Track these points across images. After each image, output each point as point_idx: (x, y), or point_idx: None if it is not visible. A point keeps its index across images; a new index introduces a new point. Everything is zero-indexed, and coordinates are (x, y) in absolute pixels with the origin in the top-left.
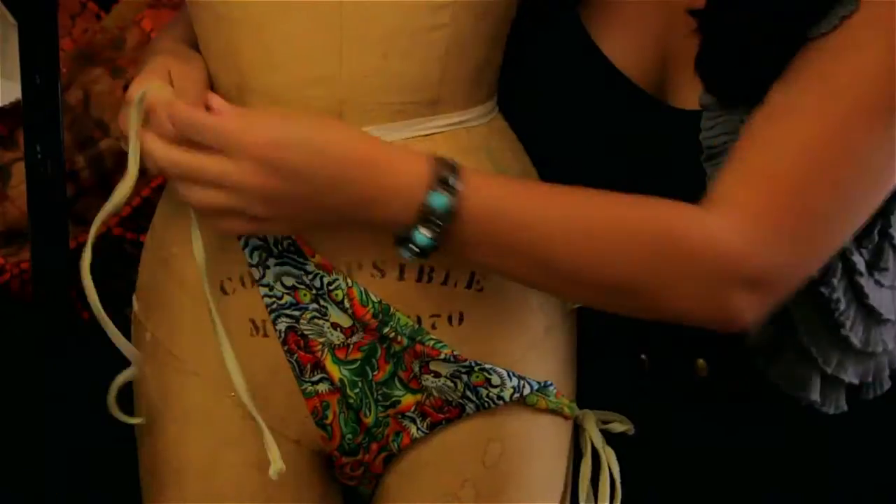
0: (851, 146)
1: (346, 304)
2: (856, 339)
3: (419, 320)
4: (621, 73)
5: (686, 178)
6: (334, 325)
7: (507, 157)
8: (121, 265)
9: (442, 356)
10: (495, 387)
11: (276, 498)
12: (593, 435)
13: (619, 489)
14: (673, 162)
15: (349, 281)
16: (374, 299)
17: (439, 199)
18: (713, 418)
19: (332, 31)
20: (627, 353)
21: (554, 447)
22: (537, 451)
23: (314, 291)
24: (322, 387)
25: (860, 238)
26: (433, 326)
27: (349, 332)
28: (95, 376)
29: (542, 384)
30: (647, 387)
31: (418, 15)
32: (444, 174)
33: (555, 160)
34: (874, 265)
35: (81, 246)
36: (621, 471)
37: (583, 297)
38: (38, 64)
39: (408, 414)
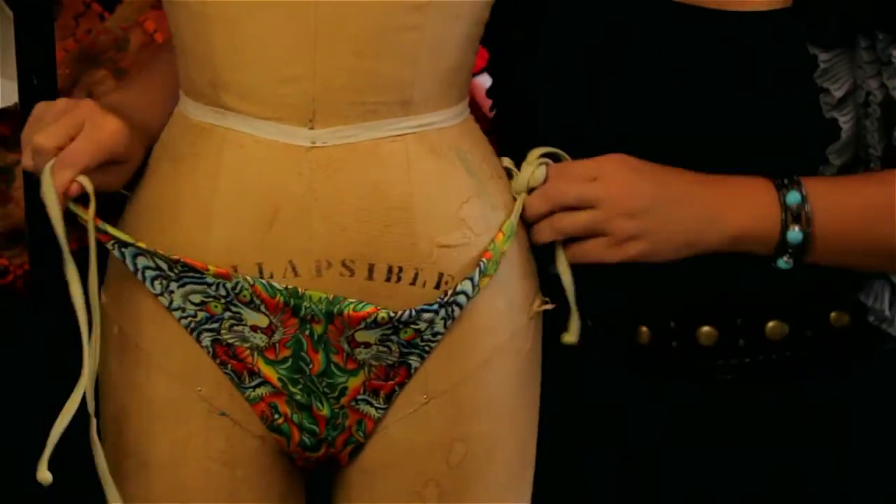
0: None
1: (257, 302)
2: None
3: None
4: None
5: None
6: (254, 328)
7: (478, 159)
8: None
9: (363, 325)
10: (426, 330)
11: (240, 493)
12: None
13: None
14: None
15: (250, 279)
16: (280, 287)
17: (793, 196)
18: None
19: (305, 30)
20: (626, 327)
21: (520, 441)
22: (502, 450)
23: (223, 301)
24: (263, 390)
25: None
26: None
27: (269, 331)
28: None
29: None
30: (645, 363)
31: (392, 15)
32: (783, 178)
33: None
34: None
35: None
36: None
37: None
38: (35, 65)
39: (360, 398)
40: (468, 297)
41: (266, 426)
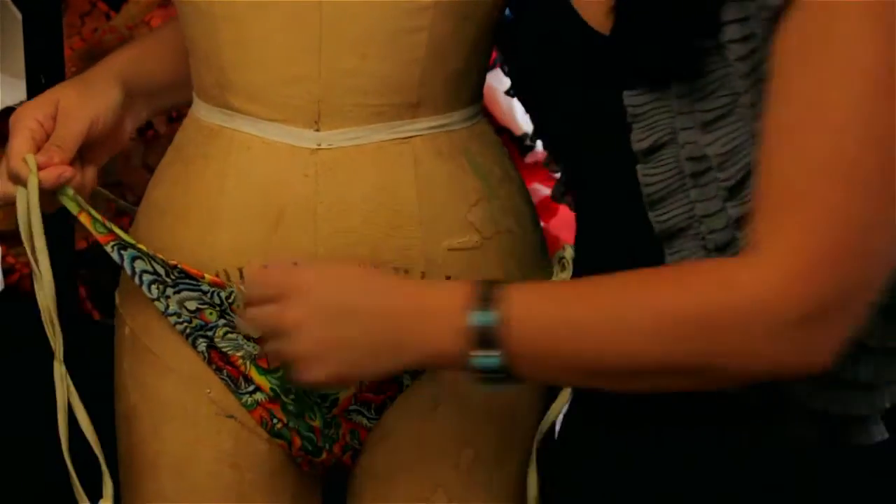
0: (868, 138)
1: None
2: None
3: None
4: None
5: None
6: (247, 337)
7: (488, 161)
8: None
9: None
10: None
11: (249, 495)
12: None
13: None
14: None
15: (243, 289)
16: None
17: (482, 317)
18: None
19: (311, 31)
20: None
21: (529, 444)
22: (512, 452)
23: (217, 308)
24: (259, 396)
25: None
26: None
27: (262, 341)
28: (103, 375)
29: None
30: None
31: (398, 17)
32: (483, 293)
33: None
34: None
35: (90, 245)
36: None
37: (649, 388)
38: (42, 63)
39: (351, 408)
40: None
41: (267, 431)
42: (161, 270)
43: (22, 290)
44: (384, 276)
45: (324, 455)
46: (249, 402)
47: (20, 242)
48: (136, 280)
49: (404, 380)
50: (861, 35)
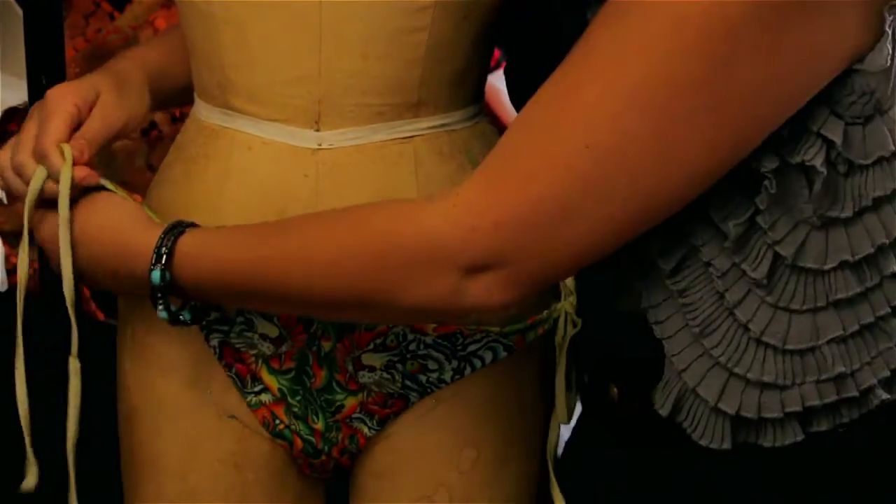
0: (610, 135)
1: (270, 316)
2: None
3: None
4: None
5: None
6: (263, 336)
7: None
8: None
9: (371, 346)
10: (433, 371)
11: (252, 495)
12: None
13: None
14: None
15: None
16: None
17: (155, 276)
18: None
19: (311, 31)
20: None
21: (531, 444)
22: (514, 453)
23: (236, 309)
24: (265, 397)
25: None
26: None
27: (278, 342)
28: (107, 376)
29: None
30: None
31: (398, 16)
32: (160, 249)
33: None
34: (760, 283)
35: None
36: None
37: (322, 316)
38: (43, 64)
39: (355, 416)
40: (484, 364)
41: (269, 431)
42: None
43: (27, 290)
44: (107, 219)
45: (322, 457)
46: (254, 402)
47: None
48: None
49: (411, 397)
50: (648, 40)
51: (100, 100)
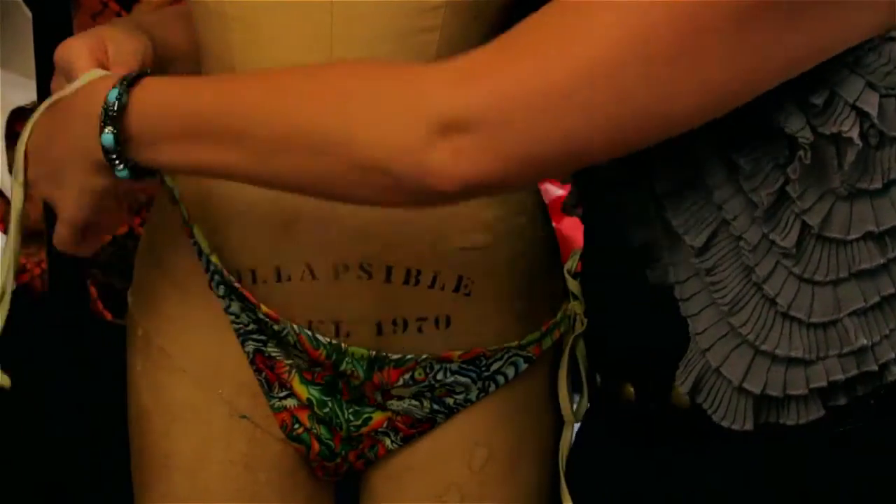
0: (640, 27)
1: (300, 348)
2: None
3: (405, 323)
4: None
5: None
6: (295, 346)
7: None
8: None
9: (400, 381)
10: (459, 394)
11: (262, 496)
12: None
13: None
14: None
15: (296, 328)
16: (324, 341)
17: (112, 94)
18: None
19: (321, 30)
20: (612, 382)
21: (542, 445)
22: (526, 453)
23: (270, 332)
24: (290, 402)
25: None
26: (419, 330)
27: (310, 363)
28: (115, 376)
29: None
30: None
31: (408, 16)
32: (125, 77)
33: None
34: (789, 253)
35: (103, 245)
36: None
37: (264, 165)
38: (53, 63)
39: (380, 430)
40: (507, 380)
41: (285, 434)
42: (227, 281)
43: (33, 290)
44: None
45: (338, 460)
46: (277, 406)
47: (31, 243)
48: (208, 276)
49: (438, 419)
50: None
51: (106, 38)
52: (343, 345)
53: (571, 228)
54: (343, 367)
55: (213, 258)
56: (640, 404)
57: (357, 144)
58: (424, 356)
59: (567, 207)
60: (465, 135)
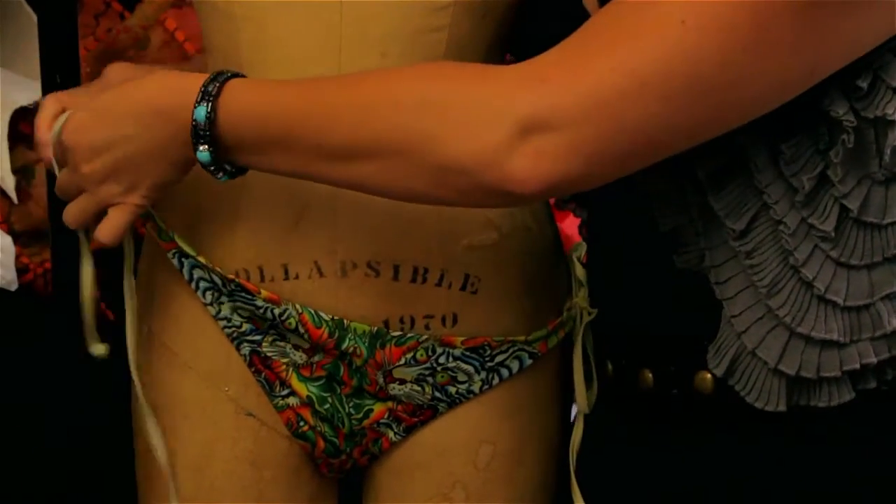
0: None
1: (301, 330)
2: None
3: (412, 321)
4: None
5: None
6: (295, 347)
7: None
8: None
9: (402, 361)
10: (462, 383)
11: (268, 493)
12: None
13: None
14: None
15: (298, 307)
16: (326, 317)
17: (200, 112)
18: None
19: (331, 30)
20: (628, 369)
21: (547, 442)
22: (531, 449)
23: (268, 322)
24: (292, 400)
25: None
26: (426, 327)
27: (310, 352)
28: (116, 373)
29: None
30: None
31: (417, 16)
32: (207, 87)
33: None
34: (828, 237)
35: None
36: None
37: (355, 174)
38: (58, 62)
39: (382, 421)
40: (511, 374)
41: (291, 432)
42: (218, 281)
43: (36, 290)
44: (134, 91)
45: (342, 457)
46: (280, 405)
47: (34, 243)
48: (193, 285)
49: (440, 408)
50: None
51: None
52: (345, 321)
53: (572, 228)
54: (346, 344)
55: (202, 259)
56: (660, 390)
57: (438, 147)
58: (426, 336)
59: (559, 202)
60: (545, 135)
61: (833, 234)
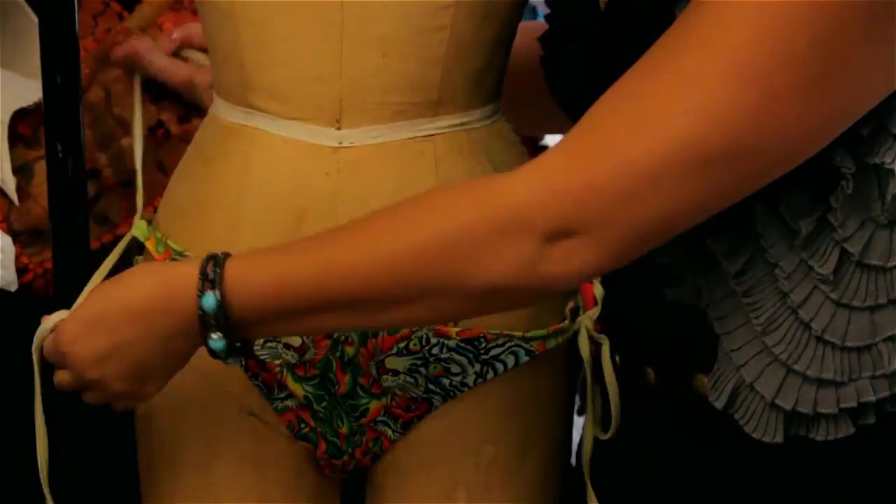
0: (704, 113)
1: None
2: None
3: None
4: None
5: None
6: (287, 346)
7: (509, 159)
8: None
9: (394, 350)
10: (456, 374)
11: (270, 494)
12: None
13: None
14: None
15: None
16: None
17: (209, 301)
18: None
19: (332, 30)
20: (630, 369)
21: (550, 443)
22: (533, 449)
23: None
24: (291, 402)
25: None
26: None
27: (301, 350)
28: None
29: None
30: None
31: (419, 16)
32: (206, 273)
33: None
34: (826, 279)
35: (104, 246)
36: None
37: (387, 319)
38: (59, 62)
39: (378, 419)
40: (506, 369)
41: (293, 434)
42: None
43: (35, 291)
44: (123, 291)
45: (344, 457)
46: (280, 407)
47: (35, 242)
48: None
49: (434, 401)
50: (754, 13)
51: None
52: None
53: None
54: (337, 333)
55: (189, 255)
56: (662, 388)
57: (474, 281)
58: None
59: None
60: (570, 240)
61: (832, 276)
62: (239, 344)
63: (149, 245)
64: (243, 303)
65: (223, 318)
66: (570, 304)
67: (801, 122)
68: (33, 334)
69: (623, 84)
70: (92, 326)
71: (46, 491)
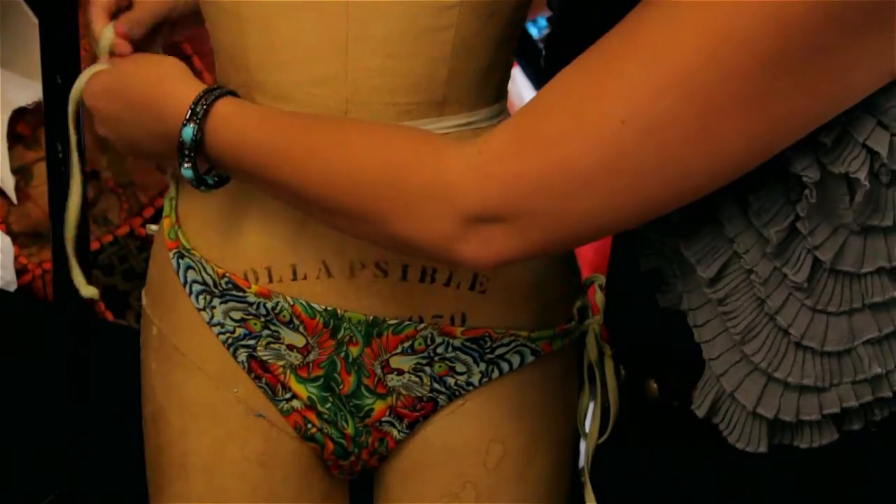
0: (645, 114)
1: (296, 322)
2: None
3: (420, 320)
4: None
5: None
6: (290, 347)
7: None
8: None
9: (399, 349)
10: (461, 374)
11: (278, 494)
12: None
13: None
14: None
15: (290, 299)
16: (319, 308)
17: (187, 132)
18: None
19: (337, 31)
20: (633, 379)
21: (558, 442)
22: (540, 449)
23: (262, 319)
24: (296, 403)
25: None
26: (435, 326)
27: (305, 351)
28: (117, 375)
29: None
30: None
31: (424, 16)
32: (196, 107)
33: None
34: (801, 287)
35: (103, 246)
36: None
37: (317, 217)
38: (59, 63)
39: (384, 420)
40: (512, 368)
41: (300, 435)
42: (210, 280)
43: (35, 291)
44: (137, 77)
45: (351, 458)
46: (285, 409)
47: (33, 243)
48: (187, 289)
49: (440, 400)
50: (701, 24)
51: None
52: (339, 310)
53: None
54: (341, 334)
55: (196, 254)
56: (664, 400)
57: (393, 227)
58: (423, 324)
59: None
60: (491, 226)
61: (806, 284)
62: (212, 179)
63: (165, 224)
64: (213, 145)
65: (193, 152)
66: (578, 304)
67: (742, 138)
68: (32, 334)
69: (567, 78)
70: (107, 90)
71: (70, 249)
